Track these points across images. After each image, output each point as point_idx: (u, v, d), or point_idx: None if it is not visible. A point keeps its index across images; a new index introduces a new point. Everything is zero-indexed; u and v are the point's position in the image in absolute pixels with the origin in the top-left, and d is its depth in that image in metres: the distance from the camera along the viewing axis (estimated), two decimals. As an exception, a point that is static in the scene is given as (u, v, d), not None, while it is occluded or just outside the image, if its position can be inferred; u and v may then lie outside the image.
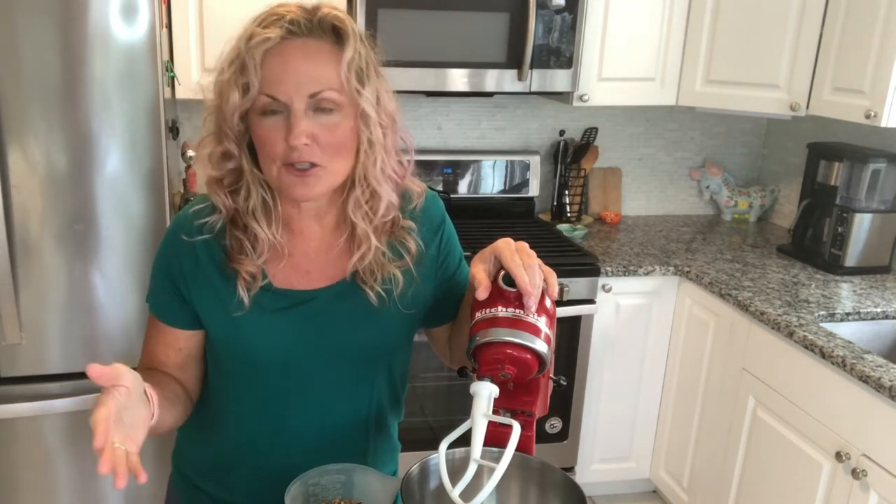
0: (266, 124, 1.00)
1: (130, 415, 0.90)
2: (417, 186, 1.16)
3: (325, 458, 1.12)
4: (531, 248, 1.00)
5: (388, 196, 1.09)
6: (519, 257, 0.96)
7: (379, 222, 1.10)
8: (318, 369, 1.14)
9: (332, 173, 1.04)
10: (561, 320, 2.42)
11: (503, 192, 3.00)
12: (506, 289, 0.98)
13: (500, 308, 0.98)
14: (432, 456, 0.99)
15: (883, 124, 2.22)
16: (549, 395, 1.12)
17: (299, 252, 1.12)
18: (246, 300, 1.07)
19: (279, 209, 1.09)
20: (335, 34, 1.01)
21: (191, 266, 1.10)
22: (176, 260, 1.11)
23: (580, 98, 2.64)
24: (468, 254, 1.13)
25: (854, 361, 1.87)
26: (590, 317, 2.57)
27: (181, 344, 1.14)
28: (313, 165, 1.01)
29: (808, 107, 2.52)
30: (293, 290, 1.11)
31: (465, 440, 0.97)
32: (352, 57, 1.00)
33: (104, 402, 0.86)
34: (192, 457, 1.26)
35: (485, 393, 0.97)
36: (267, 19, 1.00)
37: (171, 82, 2.25)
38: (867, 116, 2.25)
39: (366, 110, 1.02)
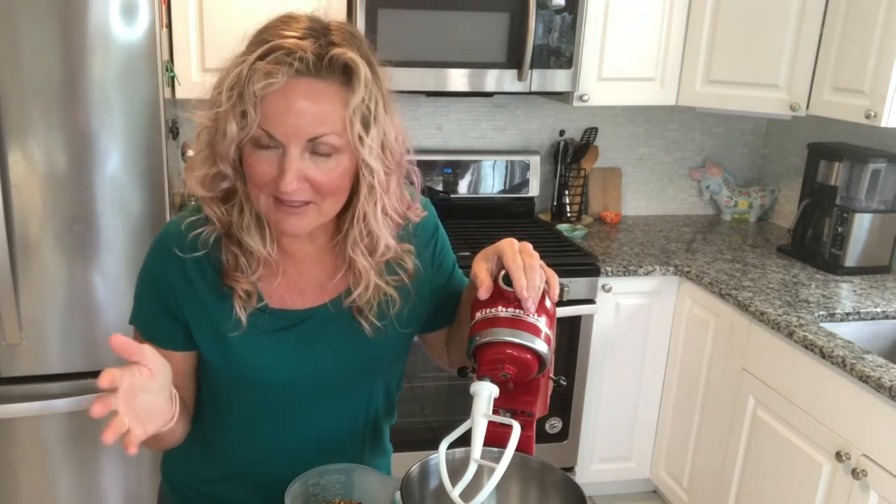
0: (259, 157, 0.95)
1: (148, 401, 0.87)
2: (416, 217, 1.12)
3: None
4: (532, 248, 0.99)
5: (386, 239, 1.05)
6: (521, 258, 0.95)
7: (377, 261, 1.07)
8: (315, 388, 1.12)
9: (323, 212, 1.00)
10: (561, 320, 2.42)
11: (503, 192, 3.00)
12: (506, 289, 0.98)
13: (500, 308, 0.98)
14: (432, 456, 0.99)
15: (883, 124, 2.22)
16: (549, 395, 1.12)
17: (293, 271, 1.10)
18: (243, 319, 1.04)
19: (271, 227, 1.05)
20: (345, 74, 0.94)
21: (181, 283, 1.05)
22: (164, 276, 1.06)
23: (580, 98, 2.64)
24: (467, 253, 1.14)
25: (854, 361, 1.87)
26: (590, 317, 2.57)
27: (178, 366, 1.08)
28: (304, 202, 0.97)
29: (808, 107, 2.52)
30: (288, 311, 1.09)
31: (465, 440, 0.96)
32: (360, 101, 0.94)
33: (118, 369, 0.82)
34: (183, 471, 1.24)
35: (485, 393, 0.97)
36: (273, 52, 0.91)
37: (171, 82, 2.25)
38: (867, 116, 2.25)
39: (367, 161, 0.97)
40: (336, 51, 0.92)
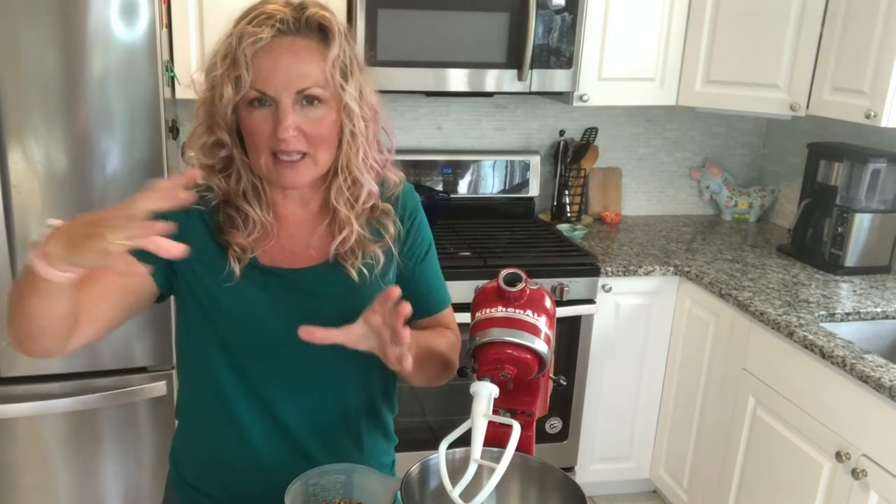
0: (255, 116, 1.06)
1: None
2: (396, 176, 1.21)
3: (317, 452, 1.13)
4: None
5: (369, 185, 1.15)
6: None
7: (360, 209, 1.15)
8: (305, 352, 1.12)
9: (318, 163, 1.09)
10: (561, 320, 2.42)
11: (503, 192, 3.00)
12: (506, 289, 0.99)
13: (499, 308, 0.99)
14: (432, 456, 0.99)
15: (883, 124, 2.22)
16: (549, 395, 1.12)
17: (284, 234, 1.16)
18: (237, 270, 1.11)
19: (267, 193, 1.14)
20: (321, 32, 1.06)
21: (187, 227, 1.10)
22: (171, 215, 1.09)
23: (580, 98, 2.64)
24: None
25: (854, 361, 1.87)
26: (590, 317, 2.57)
27: (125, 279, 1.08)
28: (302, 155, 1.07)
29: (808, 107, 2.52)
30: (279, 268, 1.14)
31: (465, 440, 0.97)
32: (337, 55, 1.06)
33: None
34: (189, 456, 1.25)
35: (485, 393, 0.98)
36: (257, 18, 1.04)
37: (171, 82, 2.25)
38: (867, 116, 2.25)
39: (349, 105, 1.08)
40: (311, 11, 1.06)
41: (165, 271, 1.11)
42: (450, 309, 1.28)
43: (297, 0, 1.08)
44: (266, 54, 1.04)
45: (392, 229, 1.18)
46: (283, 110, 1.04)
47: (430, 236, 1.26)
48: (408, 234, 1.22)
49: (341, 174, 1.12)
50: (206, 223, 1.13)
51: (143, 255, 1.00)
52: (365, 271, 1.15)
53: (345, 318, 1.11)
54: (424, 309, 1.23)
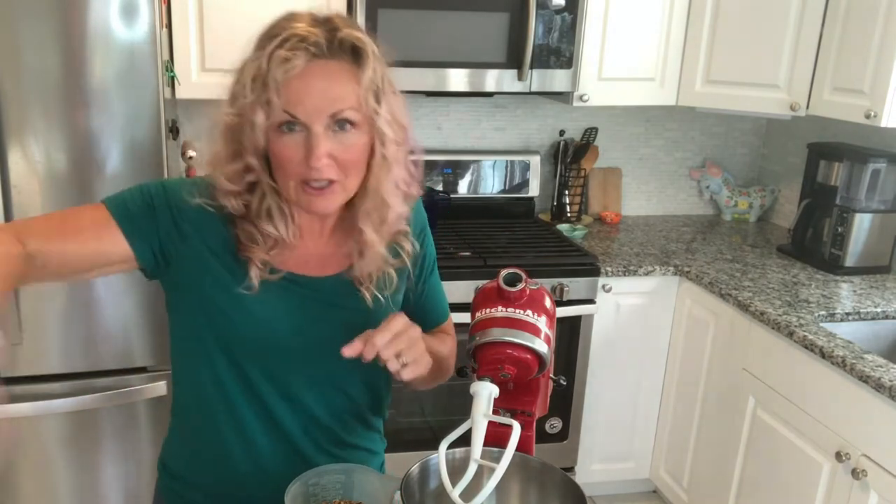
0: (285, 142, 1.01)
1: None
2: (415, 192, 1.18)
3: (312, 453, 1.14)
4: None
5: (399, 207, 1.11)
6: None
7: (387, 232, 1.12)
8: (304, 360, 1.13)
9: (347, 188, 1.06)
10: (561, 320, 2.42)
11: (503, 192, 3.00)
12: (506, 289, 0.99)
13: (499, 308, 0.99)
14: (432, 456, 0.99)
15: (883, 124, 2.22)
16: (549, 395, 1.12)
17: (302, 243, 1.14)
18: (256, 283, 1.08)
19: (293, 212, 1.10)
20: (354, 54, 1.01)
21: (207, 225, 1.08)
22: (185, 204, 1.07)
23: (580, 98, 2.64)
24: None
25: (854, 361, 1.87)
26: (590, 317, 2.57)
27: (104, 247, 1.06)
28: (330, 182, 1.03)
29: (808, 107, 2.52)
30: (296, 275, 1.13)
31: (465, 440, 0.97)
32: (370, 78, 1.01)
33: None
34: (177, 463, 1.25)
35: (485, 393, 0.98)
36: (289, 41, 0.99)
37: (171, 82, 2.25)
38: (867, 116, 2.25)
39: (382, 129, 1.03)
40: (344, 32, 1.00)
41: (154, 252, 1.08)
42: (450, 318, 1.30)
43: (322, 16, 1.03)
44: (297, 78, 0.99)
45: (409, 248, 1.17)
46: (315, 138, 0.99)
47: (434, 250, 1.26)
48: (418, 253, 1.21)
49: (371, 197, 1.08)
50: (226, 227, 1.09)
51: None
52: (379, 297, 1.13)
53: (353, 329, 1.11)
54: (429, 323, 1.24)
